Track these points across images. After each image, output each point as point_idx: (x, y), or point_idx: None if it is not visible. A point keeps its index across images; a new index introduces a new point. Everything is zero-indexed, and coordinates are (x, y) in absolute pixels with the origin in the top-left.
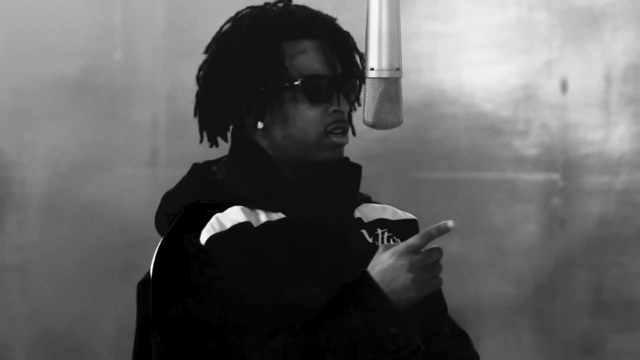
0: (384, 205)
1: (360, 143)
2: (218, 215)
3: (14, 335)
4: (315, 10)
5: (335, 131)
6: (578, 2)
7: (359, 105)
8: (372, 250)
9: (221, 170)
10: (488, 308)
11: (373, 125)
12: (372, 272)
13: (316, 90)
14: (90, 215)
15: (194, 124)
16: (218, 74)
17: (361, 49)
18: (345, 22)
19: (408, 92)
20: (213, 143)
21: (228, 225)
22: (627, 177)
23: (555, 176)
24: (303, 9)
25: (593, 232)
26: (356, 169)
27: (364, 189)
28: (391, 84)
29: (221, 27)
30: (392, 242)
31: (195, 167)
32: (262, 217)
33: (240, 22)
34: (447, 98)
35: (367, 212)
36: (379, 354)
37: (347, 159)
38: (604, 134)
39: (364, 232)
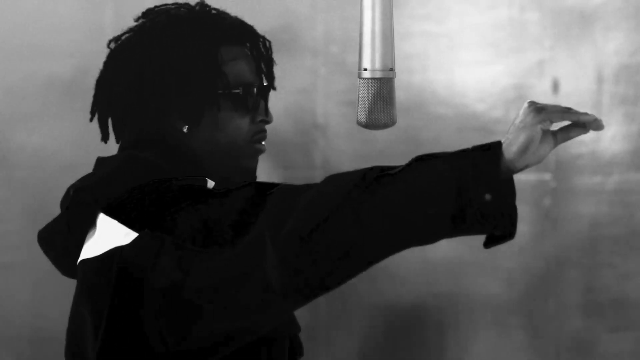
0: None
1: (352, 143)
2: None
3: (1, 336)
4: (232, 15)
5: (260, 140)
6: (570, 3)
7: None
8: None
9: (157, 158)
10: (480, 308)
11: (366, 126)
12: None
13: (249, 100)
14: None
15: None
16: (144, 73)
17: (352, 49)
18: (337, 23)
19: (399, 92)
20: (105, 137)
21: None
22: (619, 178)
23: (547, 176)
24: (225, 13)
25: (585, 233)
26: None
27: None
28: (384, 84)
29: (134, 27)
30: None
31: (131, 153)
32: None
33: (167, 21)
34: (438, 98)
35: None
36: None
37: None
38: (596, 134)
39: None
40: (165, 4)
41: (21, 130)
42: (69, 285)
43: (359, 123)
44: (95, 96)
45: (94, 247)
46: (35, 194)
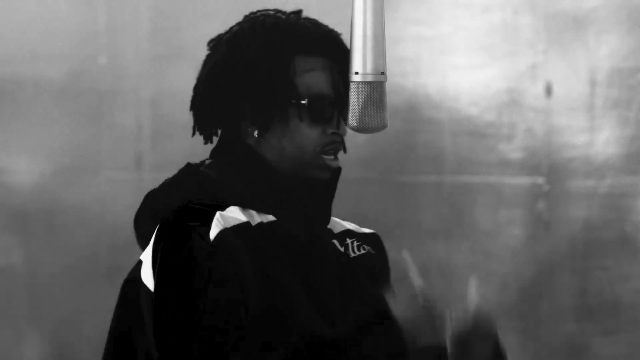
0: (343, 221)
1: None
2: (220, 212)
3: None
4: (325, 26)
5: (330, 152)
6: (562, 6)
7: None
8: (344, 258)
9: (213, 171)
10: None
11: (357, 129)
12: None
13: (320, 111)
14: (74, 219)
15: (178, 128)
16: (227, 76)
17: None
18: (329, 25)
19: (392, 96)
20: (208, 140)
21: (231, 223)
22: (612, 181)
23: (540, 180)
24: (315, 23)
25: (577, 236)
26: (333, 184)
27: (348, 192)
28: (375, 88)
29: (231, 28)
30: (362, 250)
31: (188, 166)
32: (256, 217)
33: (254, 28)
34: (431, 102)
35: (333, 224)
36: None
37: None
38: (589, 138)
39: (335, 242)
40: (266, 9)
41: (15, 133)
42: (65, 291)
43: (350, 127)
44: (193, 97)
45: (146, 251)
46: (29, 198)
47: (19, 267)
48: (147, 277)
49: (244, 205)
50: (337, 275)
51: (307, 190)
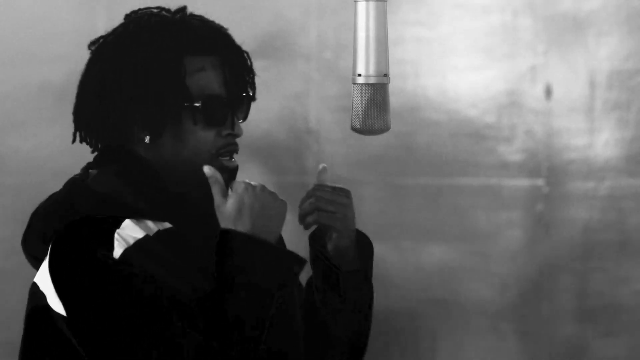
0: None
1: (344, 148)
2: (118, 231)
3: None
4: (212, 22)
5: (225, 154)
6: (562, 8)
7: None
8: None
9: (100, 182)
10: (472, 313)
11: (360, 131)
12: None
13: (214, 113)
14: None
15: None
16: (114, 80)
17: (345, 55)
18: (330, 29)
19: (392, 97)
20: (95, 148)
21: (131, 241)
22: (612, 183)
23: (540, 182)
24: (201, 21)
25: (577, 238)
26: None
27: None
28: (378, 90)
29: (114, 30)
30: None
31: (73, 182)
32: (152, 227)
33: (139, 28)
34: (431, 104)
35: None
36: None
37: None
38: (589, 140)
39: None
40: (149, 8)
41: (14, 136)
42: None
43: (353, 129)
44: (76, 98)
45: (41, 272)
46: (28, 200)
47: (18, 270)
48: (55, 304)
49: (138, 216)
50: None
51: (203, 193)
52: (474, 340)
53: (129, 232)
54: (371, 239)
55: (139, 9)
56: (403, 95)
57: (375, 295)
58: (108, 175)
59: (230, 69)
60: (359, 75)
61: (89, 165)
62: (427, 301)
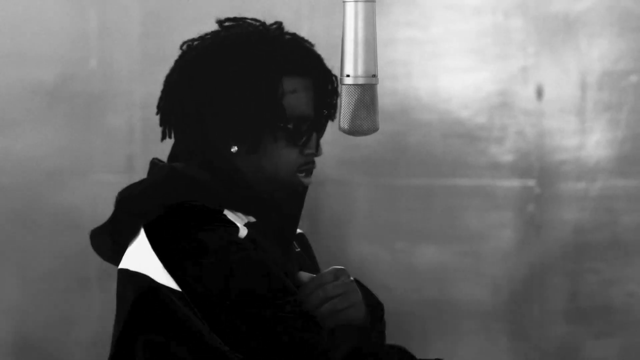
0: None
1: (336, 149)
2: (227, 212)
3: None
4: (305, 42)
5: (306, 172)
6: (554, 9)
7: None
8: (300, 257)
9: (195, 174)
10: (464, 314)
11: (349, 132)
12: None
13: (300, 134)
14: (65, 221)
15: None
16: (213, 86)
17: (336, 55)
18: (321, 29)
19: (384, 98)
20: (164, 137)
21: (239, 223)
22: (603, 184)
23: (531, 182)
24: (296, 40)
25: (569, 239)
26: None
27: (339, 195)
28: (367, 91)
29: (205, 34)
30: (297, 248)
31: (172, 170)
32: (244, 219)
33: (239, 41)
34: (423, 105)
35: None
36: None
37: None
38: (580, 141)
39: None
40: (244, 18)
41: (5, 136)
42: (55, 294)
43: (341, 129)
44: (163, 95)
45: (132, 258)
46: (20, 201)
47: (8, 268)
48: (166, 281)
49: (231, 208)
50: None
51: (281, 198)
52: (465, 341)
53: (233, 217)
54: (363, 239)
55: (235, 18)
56: (395, 96)
57: None
58: (193, 167)
59: (319, 91)
60: (348, 75)
61: (170, 159)
62: (419, 302)
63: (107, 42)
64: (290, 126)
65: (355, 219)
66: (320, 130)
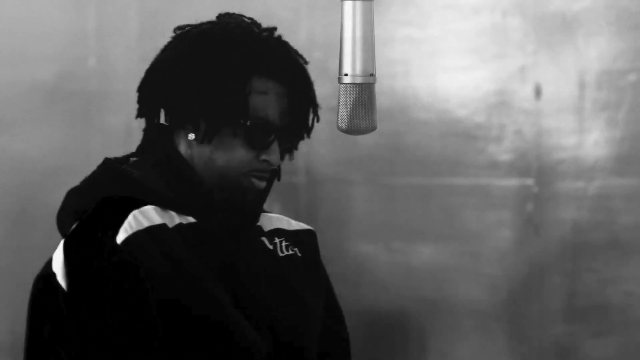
0: (278, 216)
1: (334, 148)
2: (135, 212)
3: None
4: (294, 52)
5: (257, 177)
6: (552, 8)
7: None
8: (272, 257)
9: (136, 168)
10: (462, 313)
11: (346, 131)
12: None
13: (259, 136)
14: None
15: None
16: (184, 72)
17: (335, 55)
18: (321, 27)
19: (382, 97)
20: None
21: (145, 224)
22: (601, 183)
23: (530, 182)
24: (283, 47)
25: (567, 238)
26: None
27: (337, 194)
28: (365, 90)
29: (201, 24)
30: (289, 251)
31: (107, 162)
32: (176, 219)
33: (224, 35)
34: (421, 104)
35: (264, 221)
36: None
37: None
38: (578, 140)
39: (265, 239)
40: (242, 16)
41: (3, 135)
42: None
43: (339, 128)
44: (144, 75)
45: (55, 255)
46: (17, 200)
47: (5, 268)
48: (61, 277)
49: (164, 206)
50: (264, 272)
51: (229, 194)
52: (463, 341)
53: (146, 217)
54: (361, 239)
55: (234, 14)
56: (393, 95)
57: (365, 295)
58: (145, 164)
59: (292, 101)
60: (346, 74)
61: (131, 154)
62: (417, 301)
63: (106, 41)
64: (248, 124)
65: (353, 218)
66: (285, 142)
